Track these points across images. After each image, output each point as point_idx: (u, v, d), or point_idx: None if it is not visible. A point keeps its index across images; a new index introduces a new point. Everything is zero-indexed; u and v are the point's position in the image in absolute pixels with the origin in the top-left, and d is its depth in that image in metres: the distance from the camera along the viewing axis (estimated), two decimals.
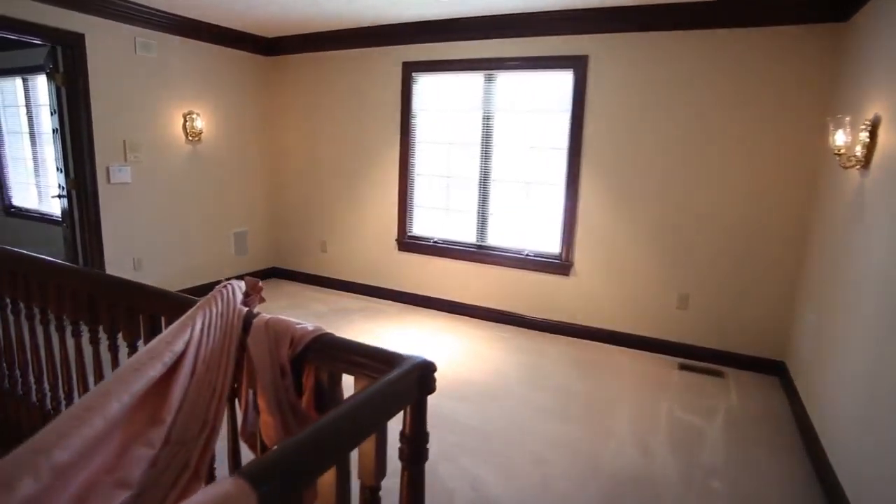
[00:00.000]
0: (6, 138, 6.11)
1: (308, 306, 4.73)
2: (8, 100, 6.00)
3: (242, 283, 1.64)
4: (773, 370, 3.49)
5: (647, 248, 3.80)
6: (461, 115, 4.41)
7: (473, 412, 2.90)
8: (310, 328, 1.36)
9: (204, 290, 4.89)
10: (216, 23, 4.47)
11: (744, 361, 3.59)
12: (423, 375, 1.15)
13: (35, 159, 5.67)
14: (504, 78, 4.15)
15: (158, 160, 4.32)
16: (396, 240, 4.80)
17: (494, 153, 4.29)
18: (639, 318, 3.89)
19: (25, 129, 5.70)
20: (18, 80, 5.59)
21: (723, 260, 3.59)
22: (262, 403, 1.32)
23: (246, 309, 1.51)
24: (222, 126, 4.83)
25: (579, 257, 4.05)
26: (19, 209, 6.11)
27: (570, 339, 4.09)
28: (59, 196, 3.96)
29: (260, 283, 1.68)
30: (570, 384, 3.32)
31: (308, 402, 1.36)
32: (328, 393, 1.34)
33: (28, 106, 5.60)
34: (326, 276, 5.30)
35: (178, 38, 4.30)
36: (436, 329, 4.24)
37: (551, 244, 4.18)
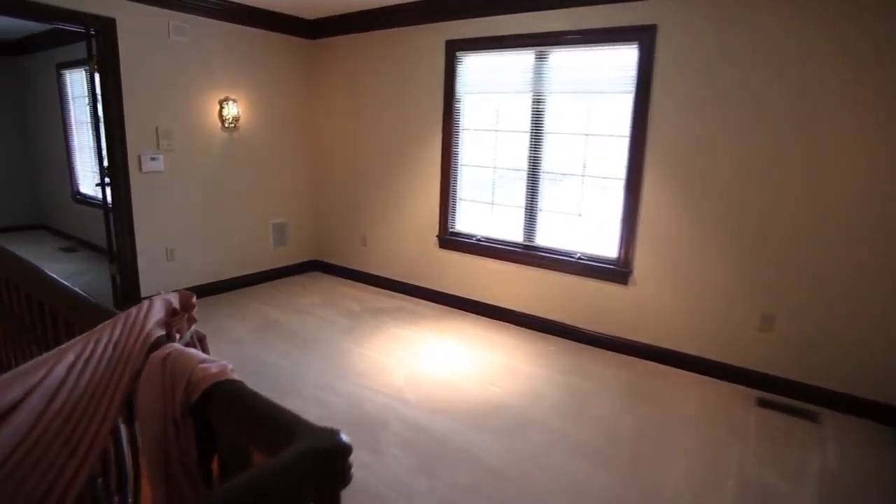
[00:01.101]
0: (76, 128, 6.40)
1: (340, 304, 4.50)
2: (76, 91, 6.26)
3: (173, 297, 1.34)
4: (887, 417, 2.80)
5: (724, 256, 3.19)
6: (509, 99, 3.96)
7: (497, 447, 2.49)
8: (213, 369, 1.03)
9: (241, 282, 4.83)
10: (255, 5, 4.30)
11: (845, 402, 2.91)
12: (321, 467, 0.78)
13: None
14: (557, 55, 3.65)
15: (193, 148, 4.24)
16: (437, 236, 4.45)
17: (545, 142, 3.81)
18: (709, 339, 3.29)
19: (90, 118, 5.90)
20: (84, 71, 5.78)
21: (824, 275, 2.92)
22: (143, 467, 1.01)
23: (159, 334, 1.20)
24: (261, 113, 4.69)
25: (640, 263, 3.49)
26: (84, 196, 6.38)
27: (624, 357, 3.56)
28: (99, 184, 3.95)
29: (194, 299, 1.38)
30: (619, 417, 2.82)
31: (216, 472, 1.03)
32: (229, 461, 1.00)
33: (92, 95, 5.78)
34: (365, 271, 5.06)
35: (213, 21, 4.17)
36: (473, 338, 3.85)
37: (608, 247, 3.65)
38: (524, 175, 3.95)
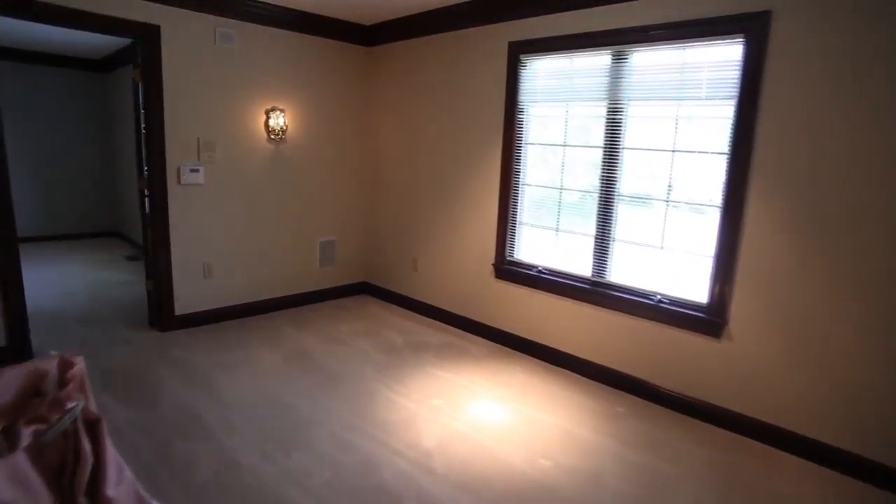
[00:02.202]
0: None
1: (382, 334, 4.12)
2: None
3: (49, 363, 0.97)
4: None
5: (859, 310, 2.45)
6: (580, 109, 3.43)
7: None
8: None
9: (282, 303, 4.59)
10: (311, 10, 4.10)
11: None
12: None
13: None
14: (639, 56, 3.09)
15: (235, 160, 4.07)
16: (494, 265, 3.96)
17: (622, 159, 3.24)
18: (834, 418, 2.54)
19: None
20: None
21: None
22: None
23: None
24: (310, 124, 4.47)
25: (738, 312, 2.81)
26: None
27: (715, 430, 2.87)
28: (141, 195, 3.87)
29: (78, 367, 1.00)
30: None
31: None
32: None
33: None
34: (415, 298, 4.66)
35: (262, 27, 4.01)
36: (525, 387, 3.31)
37: (696, 289, 3.00)
38: (596, 198, 3.39)
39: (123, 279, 5.37)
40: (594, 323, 3.43)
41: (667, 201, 3.09)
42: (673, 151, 3.03)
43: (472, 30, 3.90)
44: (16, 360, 3.41)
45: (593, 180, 3.40)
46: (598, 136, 3.32)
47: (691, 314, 2.98)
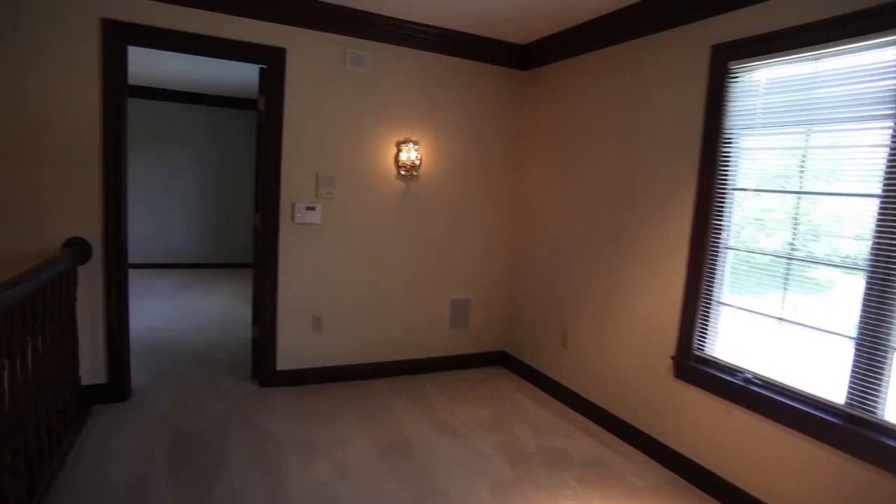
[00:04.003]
0: None
1: (512, 429, 3.19)
2: None
3: None
4: None
5: None
6: (830, 136, 2.20)
7: None
8: None
9: (402, 367, 3.87)
10: (458, 28, 3.55)
11: None
12: None
13: None
14: None
15: (358, 198, 3.60)
16: (674, 358, 2.81)
17: None
18: None
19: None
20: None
21: None
22: None
23: None
24: (448, 159, 3.85)
25: None
26: None
27: None
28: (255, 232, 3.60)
29: None
30: None
31: None
32: None
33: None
34: (562, 383, 3.64)
35: (400, 48, 3.54)
36: None
37: None
38: (860, 274, 2.09)
39: (246, 316, 5.28)
40: (845, 483, 2.06)
41: None
42: None
43: (652, 37, 2.93)
44: (113, 399, 3.28)
45: (854, 245, 2.12)
46: (868, 175, 2.05)
47: None
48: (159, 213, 7.35)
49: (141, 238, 7.29)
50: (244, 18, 3.10)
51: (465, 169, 3.94)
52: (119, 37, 2.85)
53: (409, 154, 3.63)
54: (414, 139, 3.66)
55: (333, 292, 3.63)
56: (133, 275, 7.26)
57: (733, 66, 2.51)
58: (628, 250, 3.13)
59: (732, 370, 2.56)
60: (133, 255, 7.68)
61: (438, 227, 3.91)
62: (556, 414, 3.47)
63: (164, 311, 5.29)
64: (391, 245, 3.76)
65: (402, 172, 3.66)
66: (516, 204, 4.18)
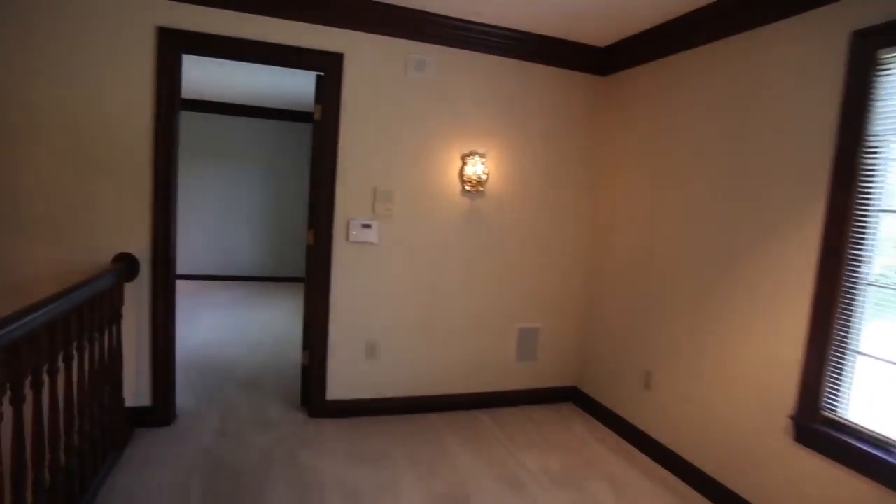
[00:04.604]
0: None
1: (585, 487, 2.74)
2: None
3: None
4: None
5: None
6: None
7: None
8: None
9: (462, 401, 3.43)
10: (531, 30, 3.22)
11: None
12: None
13: None
14: None
15: (418, 215, 3.31)
16: (794, 418, 2.28)
17: None
18: None
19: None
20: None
21: None
22: None
23: None
24: (517, 173, 3.50)
25: None
26: None
27: None
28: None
29: None
30: None
31: None
32: None
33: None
34: (645, 431, 3.15)
35: (467, 53, 3.25)
36: None
37: None
38: None
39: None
40: None
41: None
42: None
43: (769, 27, 2.45)
44: (157, 423, 3.14)
45: None
46: None
47: None
48: (223, 224, 7.47)
49: (204, 250, 7.44)
50: (300, 23, 2.91)
51: (536, 184, 3.56)
52: (174, 45, 2.73)
53: (475, 168, 3.31)
54: (480, 152, 3.34)
55: (390, 317, 3.35)
56: (195, 286, 7.55)
57: (885, 56, 2.00)
58: (732, 282, 2.63)
59: (879, 441, 2.01)
60: (196, 267, 7.96)
61: (505, 248, 3.55)
62: (637, 468, 2.98)
63: (221, 325, 5.24)
64: (453, 267, 3.44)
65: (467, 188, 3.34)
66: (593, 224, 3.74)
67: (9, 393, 1.61)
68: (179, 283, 7.09)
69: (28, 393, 1.76)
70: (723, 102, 2.72)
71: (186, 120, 7.19)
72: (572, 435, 3.36)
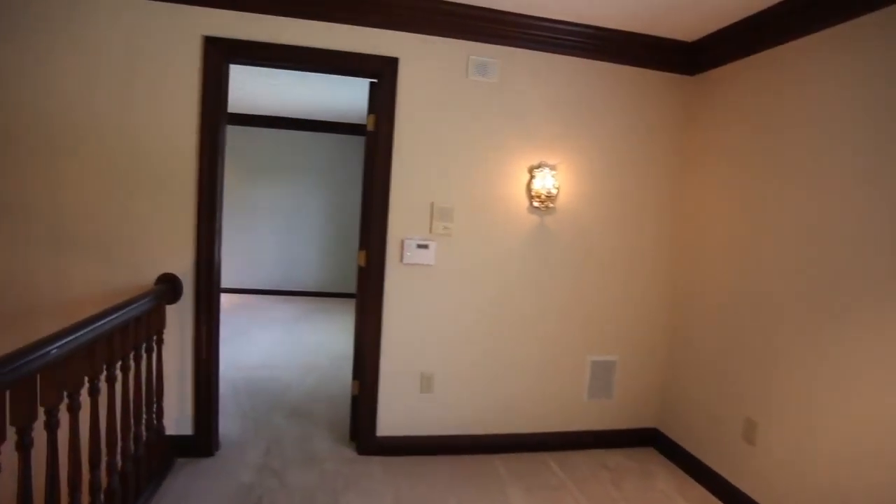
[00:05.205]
0: None
1: None
2: None
3: None
4: None
5: None
6: None
7: None
8: None
9: (522, 442, 3.22)
10: (604, 24, 2.86)
11: None
12: None
13: None
14: None
15: (480, 234, 3.00)
16: None
17: None
18: None
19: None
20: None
21: None
22: None
23: None
24: (591, 188, 3.11)
25: None
26: None
27: None
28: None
29: None
30: None
31: None
32: None
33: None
34: (748, 493, 2.64)
35: (533, 53, 2.92)
36: None
37: None
38: None
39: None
40: None
41: None
42: None
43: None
44: (199, 453, 2.98)
45: None
46: None
47: None
48: (286, 239, 7.52)
49: (268, 264, 7.49)
50: (351, 26, 2.69)
51: (614, 200, 3.16)
52: (221, 54, 2.59)
53: (545, 181, 2.95)
54: (550, 163, 2.99)
55: (447, 347, 3.04)
56: (258, 300, 7.59)
57: None
58: (869, 324, 2.11)
59: None
60: (260, 281, 8.04)
61: (577, 271, 3.16)
62: None
63: (276, 344, 5.13)
64: (519, 292, 3.09)
65: (536, 204, 3.00)
66: (681, 245, 3.28)
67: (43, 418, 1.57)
68: (241, 297, 7.32)
69: (50, 428, 1.65)
70: (852, 98, 2.22)
71: (247, 135, 7.41)
72: (654, 490, 2.88)
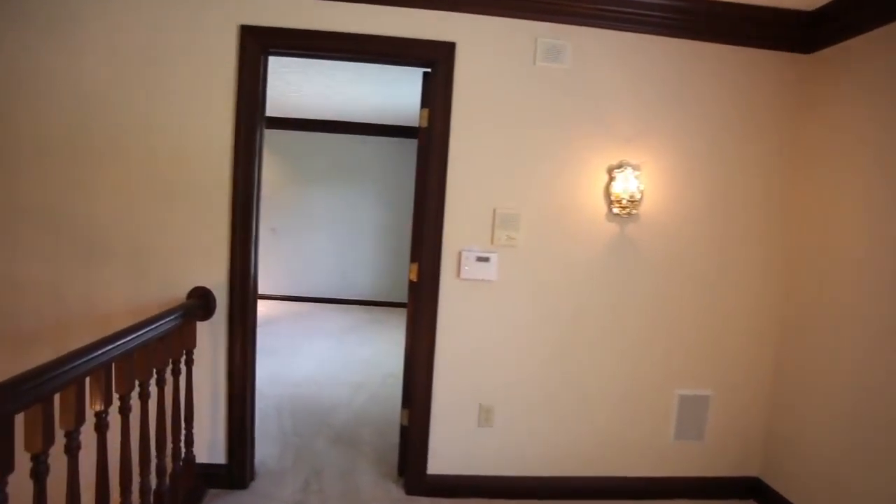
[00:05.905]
0: None
1: None
2: None
3: None
4: None
5: None
6: None
7: None
8: None
9: (594, 488, 2.77)
10: None
11: None
12: None
13: None
14: None
15: (549, 245, 2.59)
16: None
17: None
18: None
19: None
20: None
21: None
22: None
23: None
24: (681, 191, 2.63)
25: None
26: None
27: None
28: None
29: None
30: None
31: None
32: None
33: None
34: None
35: (613, 34, 2.49)
36: None
37: None
38: None
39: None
40: None
41: None
42: None
43: None
44: (232, 484, 2.72)
45: None
46: None
47: None
48: (341, 246, 7.36)
49: (322, 272, 7.35)
50: (401, 8, 2.37)
51: (710, 205, 2.66)
52: (259, 44, 2.33)
53: (627, 184, 2.51)
54: (633, 163, 2.54)
55: (510, 376, 2.64)
56: (311, 308, 7.40)
57: None
58: None
59: None
60: (315, 289, 7.89)
61: (664, 289, 2.68)
62: None
63: (325, 358, 4.89)
64: (594, 313, 2.65)
65: (616, 210, 2.55)
66: (793, 258, 2.72)
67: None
68: (297, 305, 7.20)
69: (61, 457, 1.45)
70: None
71: (305, 141, 7.32)
72: None
